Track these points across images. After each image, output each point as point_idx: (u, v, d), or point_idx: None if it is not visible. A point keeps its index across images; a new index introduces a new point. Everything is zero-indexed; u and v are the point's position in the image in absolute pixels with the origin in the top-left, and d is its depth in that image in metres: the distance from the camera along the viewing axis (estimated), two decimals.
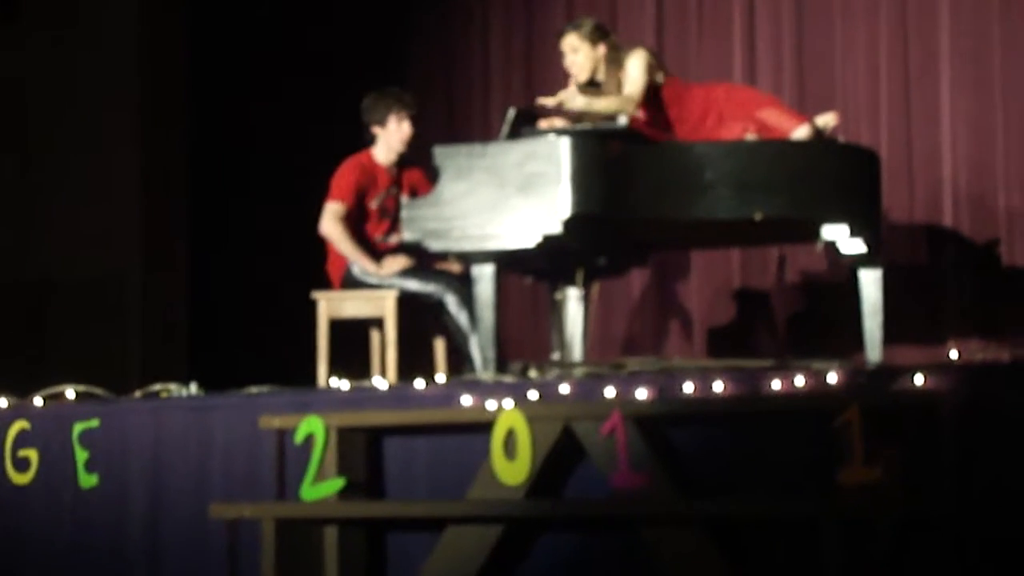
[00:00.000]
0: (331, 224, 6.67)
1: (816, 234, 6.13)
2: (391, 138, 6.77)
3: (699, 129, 6.41)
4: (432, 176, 6.20)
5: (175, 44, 9.12)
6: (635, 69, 6.39)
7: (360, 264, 6.63)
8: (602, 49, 6.48)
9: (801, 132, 6.29)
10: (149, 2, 8.98)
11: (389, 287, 6.62)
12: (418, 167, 6.84)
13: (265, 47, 9.09)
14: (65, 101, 8.90)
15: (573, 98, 6.32)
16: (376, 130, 6.78)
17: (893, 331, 6.36)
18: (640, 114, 6.42)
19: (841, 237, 6.08)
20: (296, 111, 8.92)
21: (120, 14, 8.93)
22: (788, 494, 4.81)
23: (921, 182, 7.70)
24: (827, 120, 6.40)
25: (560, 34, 6.57)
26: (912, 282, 7.37)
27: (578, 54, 6.48)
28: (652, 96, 6.43)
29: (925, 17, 7.74)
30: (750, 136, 6.27)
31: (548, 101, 6.37)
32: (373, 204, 6.75)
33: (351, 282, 6.71)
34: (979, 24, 7.60)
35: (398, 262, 6.61)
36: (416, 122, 6.81)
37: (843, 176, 6.14)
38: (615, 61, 6.47)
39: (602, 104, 6.30)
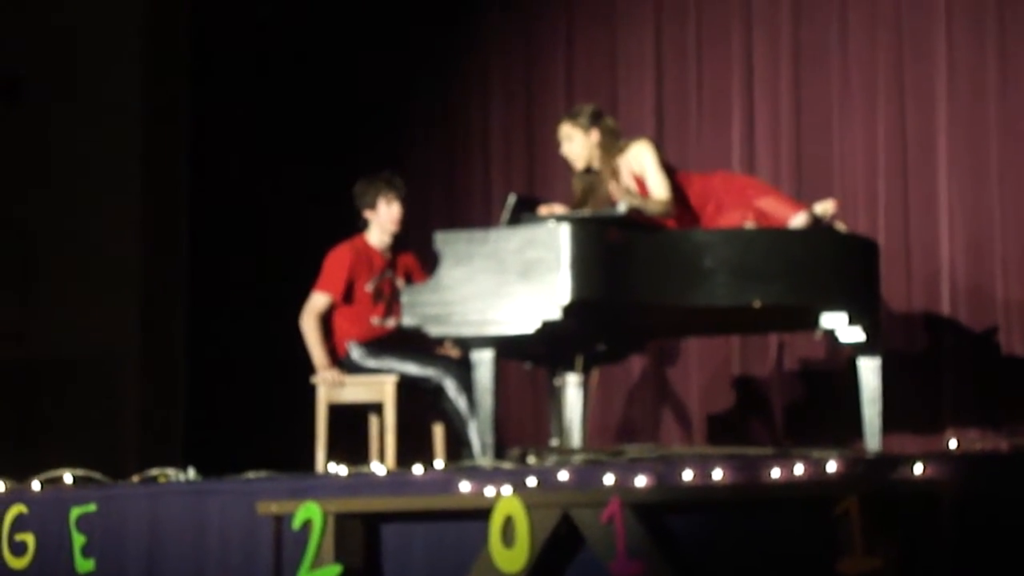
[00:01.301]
0: (306, 316, 6.79)
1: (815, 322, 6.14)
2: (382, 220, 6.85)
3: (698, 217, 6.43)
4: (430, 261, 6.22)
5: (177, 128, 9.17)
6: (652, 164, 6.39)
7: (313, 360, 6.72)
8: (595, 135, 6.51)
9: (799, 220, 6.31)
10: (152, 85, 9.04)
11: (388, 372, 6.63)
12: (411, 252, 6.91)
13: (267, 133, 9.14)
14: (66, 183, 8.94)
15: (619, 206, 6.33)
16: (368, 214, 6.86)
17: (892, 419, 6.36)
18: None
19: (840, 325, 6.09)
20: (297, 196, 8.96)
21: (122, 93, 8.99)
22: None
23: (919, 270, 7.72)
24: (826, 207, 6.42)
25: (557, 124, 6.62)
26: (911, 370, 7.37)
27: (572, 142, 6.52)
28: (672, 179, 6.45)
29: (922, 105, 7.79)
30: (749, 224, 6.29)
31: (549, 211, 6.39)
32: (368, 287, 6.78)
33: (349, 366, 6.72)
34: (976, 111, 7.64)
35: (333, 377, 6.66)
36: (405, 204, 6.86)
37: (842, 264, 6.16)
38: (612, 146, 6.50)
39: (650, 208, 6.31)
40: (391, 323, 6.72)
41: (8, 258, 9.00)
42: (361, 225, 6.89)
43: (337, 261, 6.79)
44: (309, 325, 6.76)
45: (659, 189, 6.36)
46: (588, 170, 6.54)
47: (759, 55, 8.23)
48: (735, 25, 8.30)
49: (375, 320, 6.77)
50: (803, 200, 6.85)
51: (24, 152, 9.01)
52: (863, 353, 6.24)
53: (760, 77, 8.21)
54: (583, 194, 6.55)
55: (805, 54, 8.12)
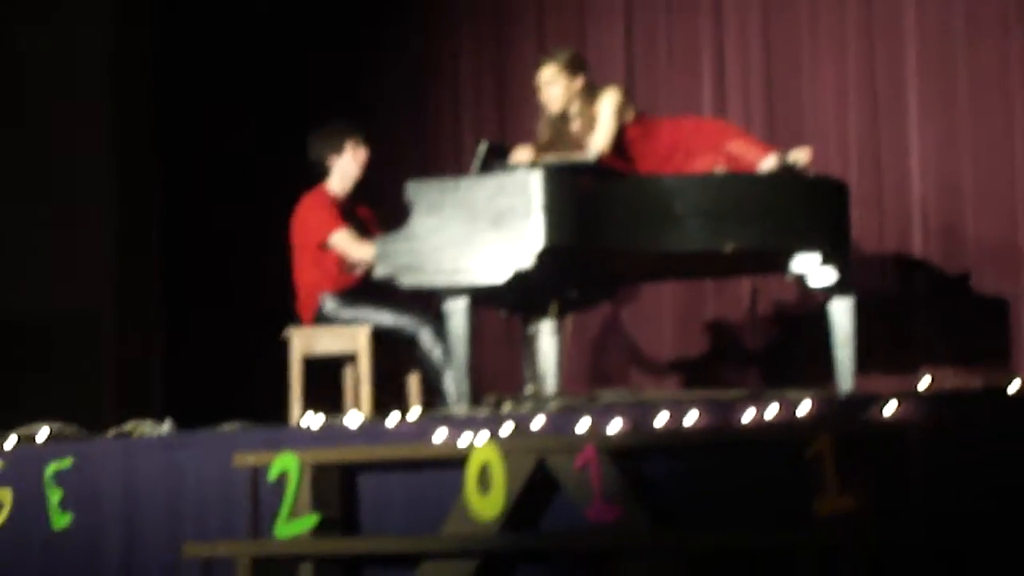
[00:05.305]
0: (356, 246, 6.57)
1: (787, 265, 6.16)
2: (348, 165, 6.78)
3: (668, 162, 6.43)
4: (401, 213, 6.20)
5: (147, 79, 9.12)
6: (606, 113, 6.40)
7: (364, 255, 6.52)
8: (579, 82, 6.52)
9: (768, 163, 6.32)
10: (121, 37, 8.99)
11: (362, 322, 6.62)
12: (367, 205, 6.85)
13: (235, 86, 9.10)
14: (38, 143, 8.89)
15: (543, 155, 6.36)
16: (332, 160, 6.77)
17: (865, 360, 6.39)
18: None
19: (812, 267, 6.12)
20: (266, 151, 8.91)
21: (90, 35, 8.92)
22: (762, 524, 4.82)
23: (891, 212, 7.73)
24: (799, 156, 6.42)
25: (538, 64, 6.60)
26: (883, 311, 7.39)
27: (555, 86, 6.51)
28: (621, 132, 6.46)
29: (892, 48, 7.79)
30: (719, 169, 6.30)
31: (520, 158, 6.39)
32: None
33: (323, 318, 6.70)
34: (945, 54, 7.65)
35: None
36: (368, 147, 6.82)
37: (813, 207, 6.17)
38: (589, 95, 6.50)
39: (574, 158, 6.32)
40: (360, 270, 6.66)
41: None
42: (321, 174, 6.82)
43: (321, 203, 6.71)
44: (365, 250, 6.51)
45: (600, 139, 6.37)
46: (562, 116, 6.54)
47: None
48: None
49: (345, 268, 6.69)
50: (774, 144, 6.86)
51: None
52: (835, 295, 6.26)
53: (729, 21, 8.19)
54: (551, 140, 6.55)
55: None
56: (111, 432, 6.30)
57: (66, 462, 5.99)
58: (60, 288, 8.80)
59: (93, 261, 8.88)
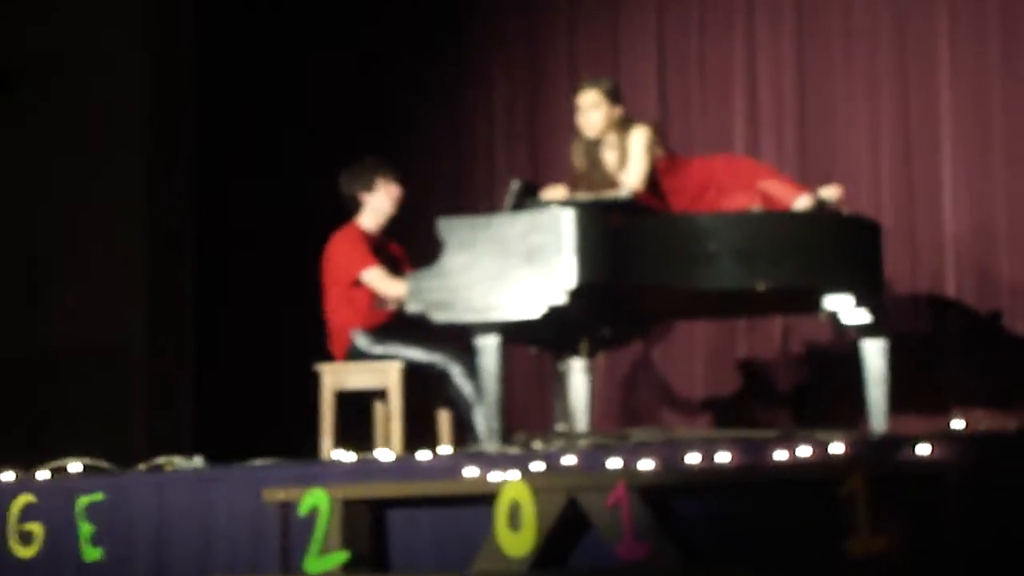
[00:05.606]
0: (388, 283, 6.58)
1: (819, 304, 6.14)
2: (380, 202, 6.79)
3: (700, 200, 6.44)
4: (432, 248, 6.21)
5: (182, 120, 9.18)
6: (637, 150, 6.43)
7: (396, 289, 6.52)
8: (619, 111, 6.56)
9: (802, 202, 6.32)
10: (156, 80, 9.05)
11: (393, 358, 6.62)
12: (398, 243, 6.86)
13: (269, 122, 9.14)
14: (71, 175, 8.94)
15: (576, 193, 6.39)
16: (364, 197, 6.79)
17: (898, 400, 6.36)
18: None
19: (844, 307, 6.10)
20: (300, 184, 8.95)
21: (126, 88, 8.99)
22: (794, 565, 4.79)
23: (924, 252, 7.71)
24: (831, 193, 6.42)
25: (578, 88, 6.63)
26: (916, 351, 7.37)
27: (596, 111, 6.55)
28: (652, 169, 6.48)
29: (926, 87, 7.78)
30: (754, 207, 6.30)
31: (553, 195, 6.41)
32: None
33: (355, 354, 6.71)
34: (979, 93, 7.64)
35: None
36: (402, 184, 6.84)
37: (846, 246, 6.16)
38: (624, 127, 6.54)
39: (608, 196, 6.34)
40: (391, 306, 6.66)
41: (15, 253, 9.00)
42: (353, 210, 6.83)
43: (353, 240, 6.72)
44: (393, 285, 6.54)
45: (633, 176, 6.39)
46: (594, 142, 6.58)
47: (762, 36, 8.22)
48: (738, 6, 8.29)
49: (376, 304, 6.69)
50: (807, 182, 6.86)
51: (28, 148, 9.01)
52: (868, 335, 6.24)
53: (763, 58, 8.21)
54: (585, 169, 6.57)
55: (808, 35, 8.11)
56: (142, 466, 6.31)
57: (98, 496, 6.00)
58: (90, 322, 8.84)
59: (124, 295, 8.92)
